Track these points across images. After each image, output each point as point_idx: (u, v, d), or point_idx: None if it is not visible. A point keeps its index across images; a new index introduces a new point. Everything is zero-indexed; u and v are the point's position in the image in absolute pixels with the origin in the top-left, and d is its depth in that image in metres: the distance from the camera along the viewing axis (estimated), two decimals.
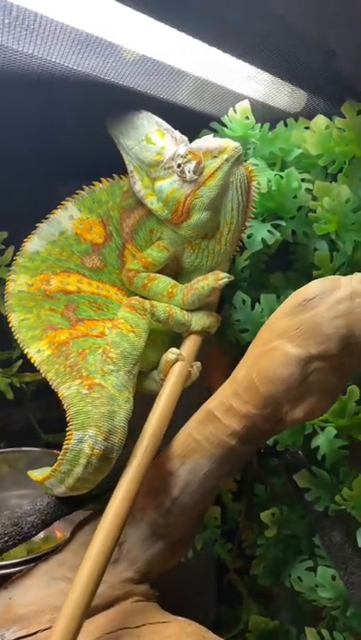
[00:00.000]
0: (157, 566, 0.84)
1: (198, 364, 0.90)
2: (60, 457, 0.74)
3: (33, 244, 0.88)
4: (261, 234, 0.93)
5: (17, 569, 0.88)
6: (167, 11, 0.78)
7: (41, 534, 1.20)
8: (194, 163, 0.82)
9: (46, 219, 0.89)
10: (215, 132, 1.00)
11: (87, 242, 0.89)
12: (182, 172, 0.83)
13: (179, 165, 0.83)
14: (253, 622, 1.04)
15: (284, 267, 1.06)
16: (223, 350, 1.09)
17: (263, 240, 0.93)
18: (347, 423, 0.88)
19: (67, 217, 0.89)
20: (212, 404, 0.81)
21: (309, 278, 0.94)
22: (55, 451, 1.19)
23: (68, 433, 0.74)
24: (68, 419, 0.75)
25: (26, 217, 0.92)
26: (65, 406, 0.76)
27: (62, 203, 0.91)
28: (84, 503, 0.82)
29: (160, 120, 0.88)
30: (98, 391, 0.77)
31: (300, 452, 0.98)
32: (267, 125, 0.96)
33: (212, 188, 0.82)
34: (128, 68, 0.87)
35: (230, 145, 0.82)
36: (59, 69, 0.84)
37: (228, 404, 0.79)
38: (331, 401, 0.77)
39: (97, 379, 0.78)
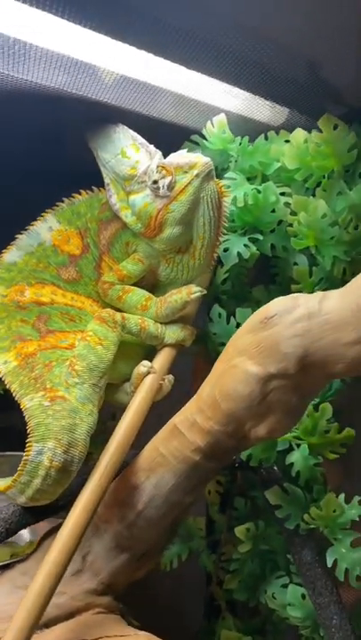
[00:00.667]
0: (122, 578, 0.84)
1: (170, 377, 0.90)
2: (19, 468, 0.75)
3: (11, 254, 0.89)
4: (238, 248, 0.93)
5: None
6: (142, 36, 0.79)
7: (27, 538, 1.23)
8: (167, 178, 0.82)
9: (26, 230, 0.91)
10: (197, 144, 1.00)
11: (64, 253, 0.91)
12: (155, 186, 0.83)
13: (154, 181, 0.83)
14: (225, 637, 1.03)
15: (267, 280, 1.05)
16: (208, 363, 1.09)
17: (239, 254, 0.93)
18: (317, 441, 0.87)
19: (46, 228, 0.90)
20: (177, 418, 0.81)
21: (290, 292, 0.94)
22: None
23: (27, 445, 0.75)
24: (28, 430, 0.76)
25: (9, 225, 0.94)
26: (26, 418, 0.77)
27: (42, 214, 0.92)
28: (49, 513, 0.83)
29: (135, 134, 0.89)
30: (60, 404, 0.78)
31: (275, 468, 0.97)
32: (246, 139, 0.96)
33: (183, 202, 0.83)
34: (110, 89, 0.89)
35: (200, 160, 0.82)
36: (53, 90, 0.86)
37: (193, 420, 0.79)
38: (293, 420, 0.76)
39: (60, 391, 0.79)
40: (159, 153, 0.87)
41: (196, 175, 0.82)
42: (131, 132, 0.89)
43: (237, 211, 0.94)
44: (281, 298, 0.73)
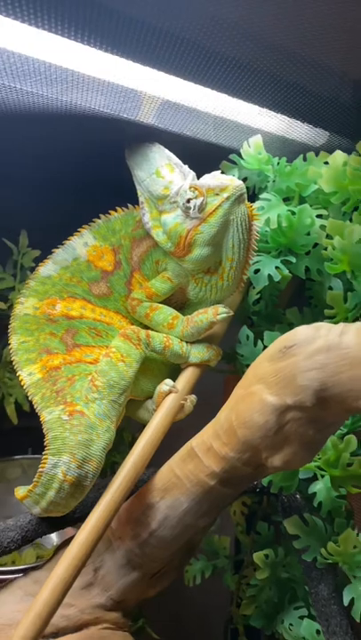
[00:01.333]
0: (133, 596, 0.85)
1: (193, 397, 0.90)
2: (35, 479, 0.77)
3: (46, 268, 0.91)
4: (269, 269, 0.91)
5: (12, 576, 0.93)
6: (184, 66, 0.82)
7: (53, 541, 1.26)
8: (198, 199, 0.82)
9: (62, 244, 0.93)
10: (235, 164, 0.99)
11: (98, 269, 0.92)
12: (186, 207, 0.83)
13: (186, 202, 0.83)
14: None
15: (303, 302, 1.03)
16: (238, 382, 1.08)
17: (270, 276, 0.91)
18: (340, 474, 0.84)
19: (82, 244, 0.92)
20: (195, 441, 0.81)
21: (324, 317, 0.92)
22: None
23: (43, 457, 0.77)
24: (45, 443, 0.78)
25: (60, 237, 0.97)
26: (44, 430, 0.79)
27: (79, 230, 0.94)
28: (66, 524, 0.84)
29: (170, 154, 0.90)
30: (78, 418, 0.79)
31: (297, 496, 0.95)
32: (283, 159, 0.94)
33: (213, 224, 0.83)
34: (154, 112, 0.93)
35: (232, 184, 0.81)
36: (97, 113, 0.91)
37: (209, 444, 0.78)
38: (311, 452, 0.74)
39: (80, 406, 0.80)
40: (192, 174, 0.87)
41: (227, 198, 0.81)
42: (166, 151, 0.90)
43: (271, 232, 0.93)
44: (303, 327, 0.71)
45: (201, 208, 0.83)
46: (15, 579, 0.85)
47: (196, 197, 0.83)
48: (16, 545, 0.81)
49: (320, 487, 0.89)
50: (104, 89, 0.88)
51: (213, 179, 0.84)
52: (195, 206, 0.83)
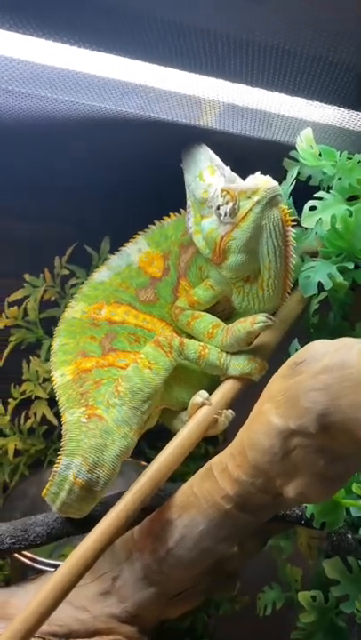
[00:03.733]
0: (150, 613, 0.82)
1: (229, 412, 0.84)
2: (50, 478, 0.78)
3: (101, 274, 0.93)
4: (320, 276, 0.82)
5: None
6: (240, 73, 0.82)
7: None
8: (229, 204, 0.77)
9: (118, 251, 0.95)
10: (296, 160, 0.91)
11: (147, 275, 0.92)
12: (218, 212, 0.79)
13: (218, 206, 0.79)
14: None
15: None
16: None
17: (320, 284, 0.81)
18: None
19: (136, 250, 0.93)
20: (213, 460, 0.75)
21: None
22: (143, 462, 1.23)
23: (58, 457, 0.78)
24: (62, 444, 0.79)
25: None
26: (62, 431, 0.80)
27: (134, 236, 0.95)
28: (89, 528, 0.84)
29: (214, 156, 0.86)
30: (95, 422, 0.78)
31: (349, 535, 0.83)
32: (345, 153, 0.84)
33: (245, 230, 0.77)
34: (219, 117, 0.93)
35: (264, 186, 0.75)
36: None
37: (225, 465, 0.72)
38: (329, 486, 0.63)
39: (100, 409, 0.80)
40: (231, 176, 0.82)
41: (258, 202, 0.75)
42: (210, 153, 0.86)
43: (327, 235, 0.83)
44: (320, 341, 0.62)
45: (233, 212, 0.77)
46: (46, 572, 0.88)
47: (226, 202, 0.78)
48: (42, 540, 0.83)
49: None
50: (168, 99, 0.90)
51: (248, 180, 0.78)
52: (225, 211, 0.78)
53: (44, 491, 0.80)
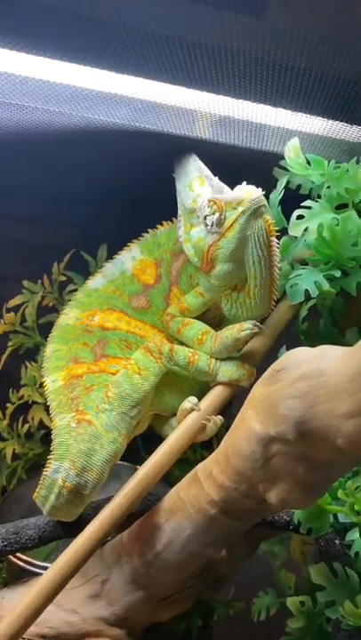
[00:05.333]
0: (139, 616, 0.83)
1: (217, 418, 0.84)
2: (40, 481, 0.80)
3: (95, 281, 0.95)
4: (306, 284, 0.83)
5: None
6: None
7: None
8: (216, 214, 0.78)
9: (112, 259, 0.96)
10: (286, 170, 0.92)
11: (140, 282, 0.93)
12: (205, 222, 0.80)
13: (205, 216, 0.80)
14: None
15: None
16: None
17: (306, 291, 0.82)
18: None
19: (129, 258, 0.94)
20: (199, 465, 0.76)
21: None
22: (138, 466, 1.25)
23: (47, 461, 0.79)
24: (51, 448, 0.80)
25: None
26: (52, 436, 0.81)
27: (128, 244, 0.96)
28: (79, 531, 0.86)
29: (203, 166, 0.87)
30: (84, 427, 0.80)
31: (336, 541, 0.83)
32: (332, 162, 0.85)
33: (231, 240, 0.78)
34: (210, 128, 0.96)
35: (249, 196, 0.76)
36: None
37: (210, 470, 0.73)
38: (309, 493, 0.64)
39: (89, 415, 0.81)
40: (218, 186, 0.83)
41: (242, 212, 0.76)
42: (199, 163, 0.87)
43: (315, 243, 0.84)
44: (300, 349, 0.63)
45: (219, 222, 0.79)
46: (37, 575, 0.89)
47: (213, 212, 0.79)
48: (33, 543, 0.85)
49: (358, 536, 0.78)
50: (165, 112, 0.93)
51: (235, 191, 0.79)
52: (212, 221, 0.79)
53: (35, 493, 0.82)
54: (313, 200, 0.87)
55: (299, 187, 0.92)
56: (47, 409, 1.25)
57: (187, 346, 0.87)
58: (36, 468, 1.33)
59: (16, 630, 0.69)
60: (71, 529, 0.85)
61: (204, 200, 0.82)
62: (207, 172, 0.86)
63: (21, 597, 0.82)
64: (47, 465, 0.80)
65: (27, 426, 1.26)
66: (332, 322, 0.93)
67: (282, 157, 0.92)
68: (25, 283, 1.29)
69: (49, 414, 1.24)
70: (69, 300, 1.25)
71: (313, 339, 0.92)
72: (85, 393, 0.84)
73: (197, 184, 0.86)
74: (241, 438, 0.66)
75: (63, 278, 1.28)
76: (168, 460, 0.81)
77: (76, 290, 1.26)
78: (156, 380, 0.83)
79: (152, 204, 1.27)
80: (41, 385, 1.25)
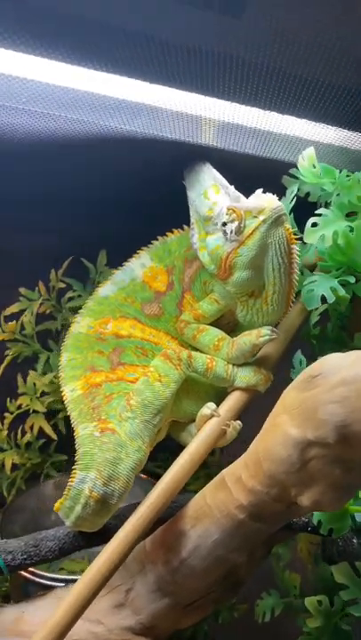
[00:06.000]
0: (164, 624, 0.83)
1: (237, 423, 0.86)
2: (65, 492, 0.79)
3: (105, 289, 0.95)
4: (323, 290, 0.85)
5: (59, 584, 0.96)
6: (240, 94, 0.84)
7: None
8: (235, 222, 0.80)
9: (122, 266, 0.96)
10: (296, 178, 0.94)
11: (152, 290, 0.93)
12: (224, 229, 0.81)
13: (224, 224, 0.81)
14: None
15: None
16: None
17: (323, 297, 0.84)
18: None
19: (139, 265, 0.94)
20: (226, 471, 0.77)
21: None
22: (143, 475, 1.25)
23: (73, 471, 0.79)
24: (76, 458, 0.79)
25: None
26: (76, 446, 0.81)
27: (137, 251, 0.96)
28: (102, 540, 0.85)
29: (218, 175, 0.88)
30: (108, 436, 0.80)
31: (354, 540, 0.86)
32: (344, 171, 0.87)
33: (251, 248, 0.79)
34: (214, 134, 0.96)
35: (269, 205, 0.77)
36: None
37: (239, 475, 0.74)
38: (342, 495, 0.66)
39: (113, 423, 0.81)
40: (235, 195, 0.84)
41: (263, 221, 0.78)
42: (214, 172, 0.88)
43: (329, 250, 0.86)
44: (335, 355, 0.65)
45: (239, 231, 0.80)
46: (56, 587, 0.88)
47: (232, 220, 0.80)
48: (54, 555, 0.84)
49: None
50: (171, 118, 0.93)
51: (254, 199, 0.80)
52: (231, 230, 0.80)
53: (57, 505, 0.81)
54: (319, 208, 0.89)
55: (307, 194, 0.94)
56: (48, 417, 1.25)
57: (201, 352, 0.88)
58: (35, 477, 1.32)
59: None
60: (93, 539, 0.85)
61: (222, 208, 0.83)
62: (222, 180, 0.87)
63: (43, 611, 0.81)
64: (72, 476, 0.79)
65: (27, 435, 1.24)
66: (340, 326, 0.95)
67: (284, 165, 0.94)
68: (22, 290, 1.28)
69: (52, 422, 1.24)
70: (70, 307, 1.25)
71: (324, 343, 0.94)
72: (106, 402, 0.84)
73: (213, 192, 0.86)
74: (276, 443, 0.67)
75: (62, 285, 1.26)
76: (191, 468, 0.81)
77: (75, 297, 1.27)
78: (176, 386, 0.84)
79: (147, 212, 1.28)
80: (43, 393, 1.24)
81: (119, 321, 0.93)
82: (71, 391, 0.86)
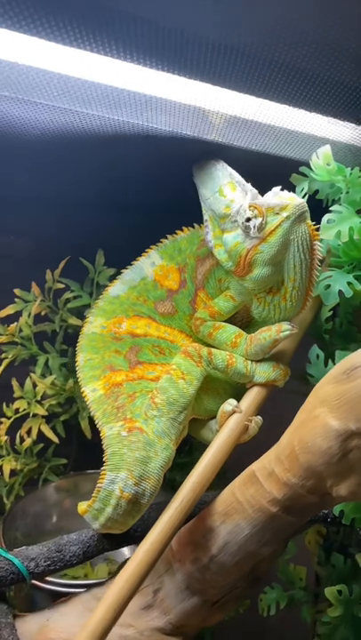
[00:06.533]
0: (193, 622, 0.82)
1: (258, 418, 0.86)
2: (93, 494, 0.78)
3: (115, 288, 0.93)
4: (340, 285, 0.86)
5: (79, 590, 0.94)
6: (247, 84, 0.81)
7: (126, 555, 1.27)
8: (257, 219, 0.80)
9: (131, 265, 0.95)
10: (305, 176, 0.96)
11: (163, 288, 0.93)
12: (246, 227, 0.81)
13: (246, 221, 0.81)
14: None
15: None
16: None
17: (340, 292, 0.86)
18: None
19: (149, 264, 0.93)
20: (255, 465, 0.78)
21: None
22: None
23: (102, 472, 0.77)
24: (104, 459, 0.78)
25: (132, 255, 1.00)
26: (104, 446, 0.79)
27: (146, 250, 0.95)
28: (127, 541, 0.84)
29: (233, 172, 0.88)
30: (136, 435, 0.79)
31: None
32: (356, 170, 0.89)
33: (273, 244, 0.80)
34: (220, 129, 0.92)
35: (292, 202, 0.78)
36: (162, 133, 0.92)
37: (271, 469, 0.75)
38: None
39: (139, 422, 0.80)
40: (254, 192, 0.85)
41: (287, 217, 0.78)
42: (229, 169, 0.89)
43: (343, 246, 0.88)
44: None
45: (261, 227, 0.80)
46: (78, 593, 0.86)
47: (255, 217, 0.81)
48: (78, 559, 0.82)
49: None
50: (170, 109, 0.89)
51: (274, 197, 0.81)
52: (254, 226, 0.81)
53: (83, 508, 0.79)
54: (325, 205, 0.91)
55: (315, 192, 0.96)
56: (48, 420, 1.23)
57: (218, 349, 0.88)
58: (32, 483, 1.29)
59: None
60: (118, 541, 0.84)
61: (242, 205, 0.83)
62: (238, 177, 0.88)
63: (69, 617, 0.79)
64: (101, 477, 0.77)
65: (28, 440, 1.21)
66: (349, 321, 0.97)
67: (293, 161, 0.95)
68: (17, 291, 1.25)
69: (50, 424, 1.22)
70: (69, 308, 1.23)
71: (335, 337, 0.96)
72: (130, 401, 0.83)
73: (229, 189, 0.87)
74: (315, 435, 0.68)
75: (59, 286, 1.24)
76: (217, 464, 0.81)
77: (74, 297, 1.24)
78: (198, 383, 0.83)
79: (140, 211, 1.27)
80: (45, 397, 1.22)
81: (133, 320, 0.92)
82: (92, 391, 0.85)
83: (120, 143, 1.01)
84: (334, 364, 0.87)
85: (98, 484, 0.77)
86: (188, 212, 1.01)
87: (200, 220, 0.91)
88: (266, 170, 0.97)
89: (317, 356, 0.90)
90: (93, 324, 0.92)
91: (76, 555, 0.82)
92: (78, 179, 1.17)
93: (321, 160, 0.90)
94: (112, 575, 0.87)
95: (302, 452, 0.70)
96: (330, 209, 0.90)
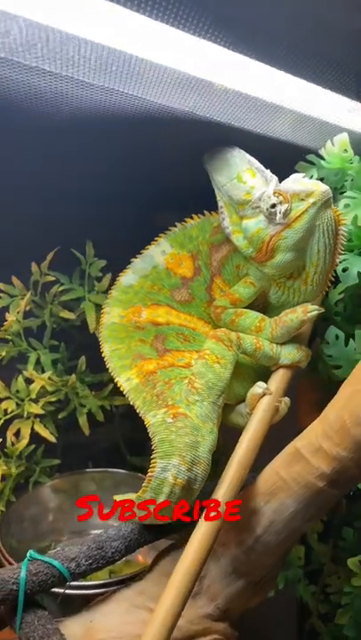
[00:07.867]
0: (238, 605, 0.82)
1: (287, 399, 0.88)
2: (144, 484, 0.75)
3: (127, 277, 0.92)
4: (358, 267, 0.90)
5: (97, 591, 0.91)
6: (264, 51, 0.81)
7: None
8: (283, 205, 0.81)
9: (140, 254, 0.93)
10: (312, 164, 0.99)
11: (177, 276, 0.92)
12: (270, 213, 0.82)
13: (272, 206, 0.82)
14: None
15: None
16: (314, 386, 1.07)
17: (359, 274, 0.90)
18: None
19: (159, 252, 0.92)
20: (300, 442, 0.79)
21: None
22: (140, 474, 1.22)
23: (152, 461, 0.76)
24: (152, 446, 0.76)
25: (124, 246, 0.97)
26: (150, 434, 0.78)
27: (155, 239, 0.94)
28: (167, 532, 0.83)
29: (252, 159, 0.89)
30: (182, 420, 0.78)
31: None
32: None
33: (298, 230, 0.82)
34: (226, 106, 0.89)
35: (319, 188, 0.81)
36: (159, 109, 0.88)
37: (318, 445, 0.76)
38: None
39: (182, 408, 0.79)
40: (275, 179, 0.86)
41: (313, 203, 0.80)
42: (247, 156, 0.89)
43: (356, 230, 0.92)
44: None
45: (286, 213, 0.82)
46: (116, 590, 0.83)
47: (280, 203, 0.82)
48: (120, 555, 0.79)
49: None
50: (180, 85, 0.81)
51: (297, 183, 0.83)
52: (280, 212, 0.82)
53: (134, 499, 0.77)
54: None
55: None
56: (42, 419, 1.17)
57: None
58: (21, 487, 1.22)
59: (165, 637, 0.65)
60: (159, 531, 0.82)
61: (265, 192, 0.84)
62: (257, 164, 0.89)
63: (113, 616, 0.77)
64: (152, 466, 0.75)
65: (23, 441, 1.15)
66: (355, 303, 1.02)
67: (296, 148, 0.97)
68: (1, 285, 1.18)
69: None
70: (59, 302, 1.18)
71: (343, 319, 1.00)
72: (168, 388, 0.81)
73: (249, 176, 0.87)
74: None
75: (50, 279, 1.19)
76: (255, 446, 0.82)
77: (65, 290, 1.20)
78: (232, 367, 0.84)
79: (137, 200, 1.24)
80: (42, 394, 1.16)
81: (152, 308, 0.91)
82: (127, 381, 0.82)
83: (114, 127, 0.96)
84: (356, 343, 0.91)
85: (149, 473, 0.75)
86: (180, 202, 1.01)
87: (191, 210, 0.91)
88: (269, 155, 0.97)
89: (336, 337, 0.93)
90: (111, 315, 0.89)
91: (119, 550, 0.79)
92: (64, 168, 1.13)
93: (337, 147, 0.93)
94: (147, 570, 0.85)
95: (354, 425, 0.72)
96: (341, 195, 0.94)
